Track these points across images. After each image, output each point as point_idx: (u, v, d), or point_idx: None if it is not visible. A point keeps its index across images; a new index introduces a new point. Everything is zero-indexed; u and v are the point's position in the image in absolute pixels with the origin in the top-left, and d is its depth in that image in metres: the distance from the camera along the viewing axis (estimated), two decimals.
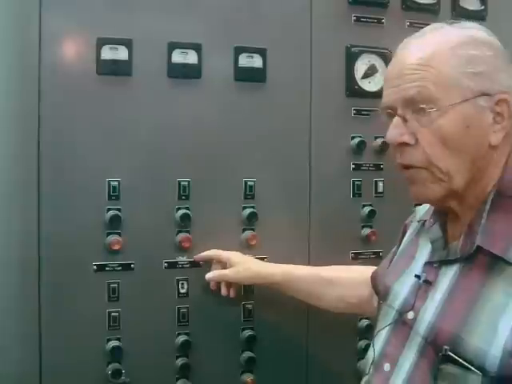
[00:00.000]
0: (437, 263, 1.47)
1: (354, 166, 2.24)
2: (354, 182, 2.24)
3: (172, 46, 2.02)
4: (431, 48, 1.38)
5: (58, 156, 1.93)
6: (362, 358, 2.22)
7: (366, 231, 2.25)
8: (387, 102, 1.44)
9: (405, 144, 1.41)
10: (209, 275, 2.06)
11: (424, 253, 1.56)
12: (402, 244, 1.75)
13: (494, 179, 1.42)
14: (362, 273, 2.01)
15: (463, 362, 1.29)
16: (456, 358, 1.30)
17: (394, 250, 1.82)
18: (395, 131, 1.41)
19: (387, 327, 1.56)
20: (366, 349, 2.21)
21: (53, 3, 1.91)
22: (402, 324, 1.50)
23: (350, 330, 2.27)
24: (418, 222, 1.69)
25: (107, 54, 1.95)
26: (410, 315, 1.47)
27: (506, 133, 1.39)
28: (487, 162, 1.40)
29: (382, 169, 2.28)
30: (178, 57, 2.02)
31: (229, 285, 2.08)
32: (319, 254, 2.18)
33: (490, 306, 1.31)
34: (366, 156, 2.26)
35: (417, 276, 1.50)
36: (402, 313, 1.51)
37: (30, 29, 1.89)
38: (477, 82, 1.35)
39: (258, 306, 2.15)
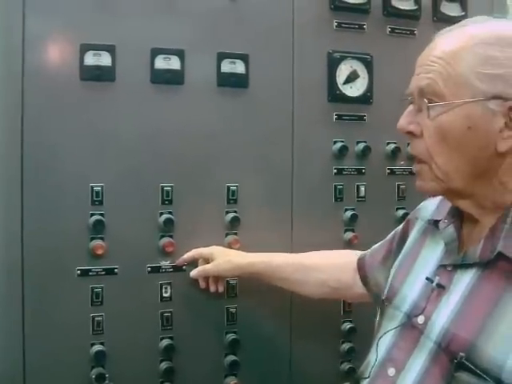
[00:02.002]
0: (451, 267, 1.42)
1: (335, 170, 2.25)
2: (335, 186, 2.25)
3: (155, 52, 2.02)
4: (455, 43, 1.35)
5: (42, 161, 1.93)
6: (346, 361, 2.26)
7: (349, 235, 2.26)
8: (409, 88, 1.43)
9: (413, 134, 1.40)
10: (192, 272, 2.08)
11: (434, 254, 1.53)
12: (407, 243, 1.70)
13: None
14: (342, 257, 2.02)
15: (479, 371, 1.25)
16: (471, 366, 1.26)
17: (387, 243, 1.83)
18: (404, 119, 1.42)
19: (393, 330, 1.51)
20: (349, 351, 2.24)
21: (36, 8, 1.91)
22: (411, 328, 1.45)
23: (333, 332, 2.27)
24: (428, 221, 1.63)
25: (90, 59, 1.96)
26: (421, 319, 1.43)
27: None
28: (495, 167, 1.35)
29: (363, 173, 2.29)
30: (161, 63, 2.03)
31: (216, 280, 2.10)
32: None
33: (509, 315, 1.26)
34: (347, 160, 2.27)
35: (428, 279, 1.46)
36: (410, 316, 1.47)
37: (13, 34, 1.89)
38: (490, 84, 1.30)
39: (242, 309, 2.16)
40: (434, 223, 1.59)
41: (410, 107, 1.41)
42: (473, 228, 1.45)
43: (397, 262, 1.70)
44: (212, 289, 2.10)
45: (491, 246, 1.34)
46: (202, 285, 2.10)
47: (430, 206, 1.68)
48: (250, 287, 2.14)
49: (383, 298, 1.65)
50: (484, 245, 1.36)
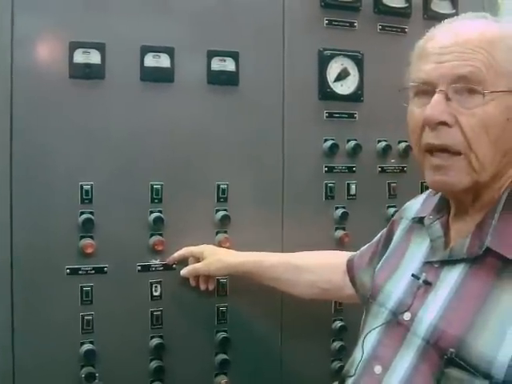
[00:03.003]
0: (437, 263, 1.42)
1: (326, 168, 2.25)
2: (326, 184, 2.25)
3: (145, 50, 2.02)
4: (485, 33, 1.33)
5: (31, 160, 1.92)
6: (336, 360, 2.25)
7: (339, 233, 2.26)
8: (427, 77, 1.36)
9: (442, 123, 1.33)
10: (183, 271, 2.08)
11: (419, 251, 1.52)
12: (393, 243, 1.70)
13: (509, 179, 1.38)
14: (333, 258, 2.02)
15: (468, 367, 1.25)
16: (461, 362, 1.26)
17: (374, 245, 1.82)
18: (437, 108, 1.32)
19: (378, 328, 1.50)
20: (339, 350, 2.24)
21: (25, 6, 1.90)
22: (397, 325, 1.44)
23: (323, 331, 2.28)
24: (412, 219, 1.63)
25: (80, 57, 1.95)
26: (407, 316, 1.42)
27: None
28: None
29: (354, 171, 2.29)
30: (150, 60, 2.03)
31: (206, 279, 2.10)
32: None
33: (498, 310, 1.26)
34: (338, 158, 2.26)
35: (414, 276, 1.46)
36: (396, 313, 1.46)
37: (2, 32, 1.88)
38: None
39: (232, 308, 2.16)
40: (419, 220, 1.59)
41: (438, 96, 1.33)
42: (460, 224, 1.44)
43: (381, 261, 1.69)
44: (202, 287, 2.10)
45: (479, 241, 1.34)
46: (193, 283, 2.10)
47: (415, 205, 1.68)
48: (240, 286, 2.13)
49: (368, 295, 1.65)
50: (471, 240, 1.36)
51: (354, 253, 1.94)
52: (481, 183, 1.35)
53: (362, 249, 1.91)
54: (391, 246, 1.70)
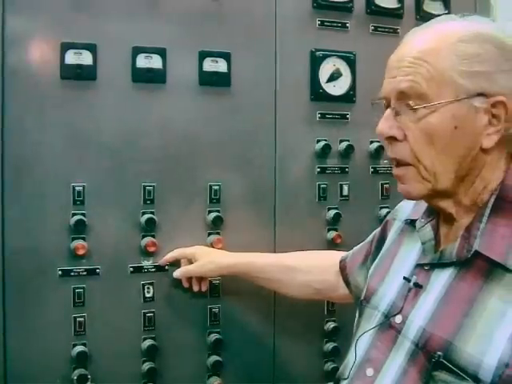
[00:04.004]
0: (428, 266, 1.42)
1: (319, 169, 2.25)
2: (319, 185, 2.25)
3: (136, 51, 2.02)
4: (431, 42, 1.33)
5: (22, 161, 1.92)
6: (329, 361, 2.25)
7: (332, 234, 2.26)
8: (383, 92, 1.40)
9: (394, 138, 1.37)
10: (175, 273, 2.07)
11: (411, 254, 1.53)
12: (386, 244, 1.70)
13: (492, 183, 1.37)
14: (326, 258, 2.01)
15: (456, 369, 1.25)
16: (449, 365, 1.26)
17: (367, 245, 1.82)
18: (385, 124, 1.37)
19: (371, 330, 1.51)
20: (332, 351, 2.24)
21: (16, 7, 1.90)
22: (389, 327, 1.45)
23: (316, 332, 2.28)
24: (405, 221, 1.64)
25: (71, 58, 1.95)
26: (398, 319, 1.42)
27: (502, 136, 1.32)
28: (479, 165, 1.35)
29: (347, 172, 2.29)
30: (142, 61, 2.02)
31: (199, 280, 2.10)
32: None
33: (486, 313, 1.26)
34: (331, 159, 2.26)
35: (406, 278, 1.46)
36: (388, 316, 1.47)
37: None
38: (474, 82, 1.29)
39: (225, 309, 2.15)
40: (411, 223, 1.59)
41: (388, 111, 1.37)
42: (449, 227, 1.44)
43: (375, 263, 1.69)
44: (195, 288, 2.10)
45: (468, 244, 1.34)
46: (186, 284, 2.10)
47: (408, 206, 1.68)
48: (233, 287, 2.14)
49: (361, 298, 1.65)
50: (460, 244, 1.36)
51: (347, 252, 1.94)
52: (441, 190, 1.37)
53: (354, 248, 1.91)
54: (384, 247, 1.70)
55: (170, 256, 2.07)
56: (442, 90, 1.30)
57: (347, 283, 1.89)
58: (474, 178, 1.36)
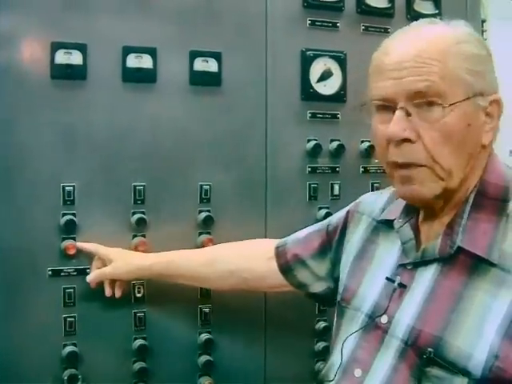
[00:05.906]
0: (410, 265, 1.44)
1: (309, 168, 2.25)
2: (310, 184, 2.25)
3: (127, 51, 2.01)
4: (435, 42, 1.34)
5: (12, 160, 1.92)
6: (320, 360, 2.25)
7: None
8: (385, 94, 1.37)
9: (405, 140, 1.35)
10: (88, 277, 1.99)
11: (390, 254, 1.53)
12: (355, 241, 1.69)
13: (475, 179, 1.40)
14: (254, 246, 2.01)
15: (446, 364, 1.28)
16: (440, 361, 1.29)
17: (322, 233, 1.82)
18: (397, 126, 1.34)
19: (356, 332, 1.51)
20: (323, 350, 2.24)
21: (7, 6, 1.90)
22: (375, 328, 1.46)
23: (307, 331, 2.27)
24: (378, 221, 1.64)
25: (61, 58, 1.94)
26: (384, 319, 1.44)
27: (493, 134, 1.39)
28: (478, 162, 1.40)
29: (337, 172, 2.29)
30: (132, 61, 2.02)
31: (112, 284, 2.02)
32: None
33: (474, 307, 1.29)
34: (321, 159, 2.26)
35: (389, 279, 1.47)
36: (373, 317, 1.48)
37: None
38: (477, 81, 1.34)
39: (215, 309, 2.15)
40: (387, 223, 1.60)
41: (399, 113, 1.34)
42: (430, 225, 1.46)
43: (349, 262, 1.68)
44: (107, 292, 2.01)
45: (450, 241, 1.37)
46: (93, 285, 2.00)
47: (374, 202, 1.70)
48: None
49: (339, 299, 1.66)
50: (443, 240, 1.38)
51: (284, 239, 1.92)
52: (451, 189, 1.38)
53: (295, 235, 1.90)
54: (354, 244, 1.69)
55: (86, 246, 1.98)
56: (455, 88, 1.33)
57: (284, 271, 1.87)
58: (471, 174, 1.40)
